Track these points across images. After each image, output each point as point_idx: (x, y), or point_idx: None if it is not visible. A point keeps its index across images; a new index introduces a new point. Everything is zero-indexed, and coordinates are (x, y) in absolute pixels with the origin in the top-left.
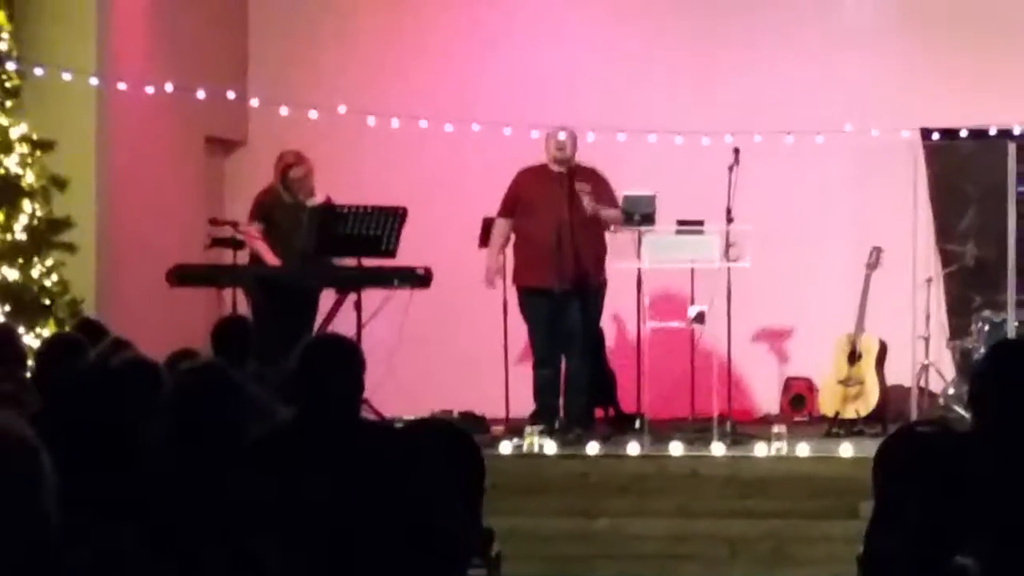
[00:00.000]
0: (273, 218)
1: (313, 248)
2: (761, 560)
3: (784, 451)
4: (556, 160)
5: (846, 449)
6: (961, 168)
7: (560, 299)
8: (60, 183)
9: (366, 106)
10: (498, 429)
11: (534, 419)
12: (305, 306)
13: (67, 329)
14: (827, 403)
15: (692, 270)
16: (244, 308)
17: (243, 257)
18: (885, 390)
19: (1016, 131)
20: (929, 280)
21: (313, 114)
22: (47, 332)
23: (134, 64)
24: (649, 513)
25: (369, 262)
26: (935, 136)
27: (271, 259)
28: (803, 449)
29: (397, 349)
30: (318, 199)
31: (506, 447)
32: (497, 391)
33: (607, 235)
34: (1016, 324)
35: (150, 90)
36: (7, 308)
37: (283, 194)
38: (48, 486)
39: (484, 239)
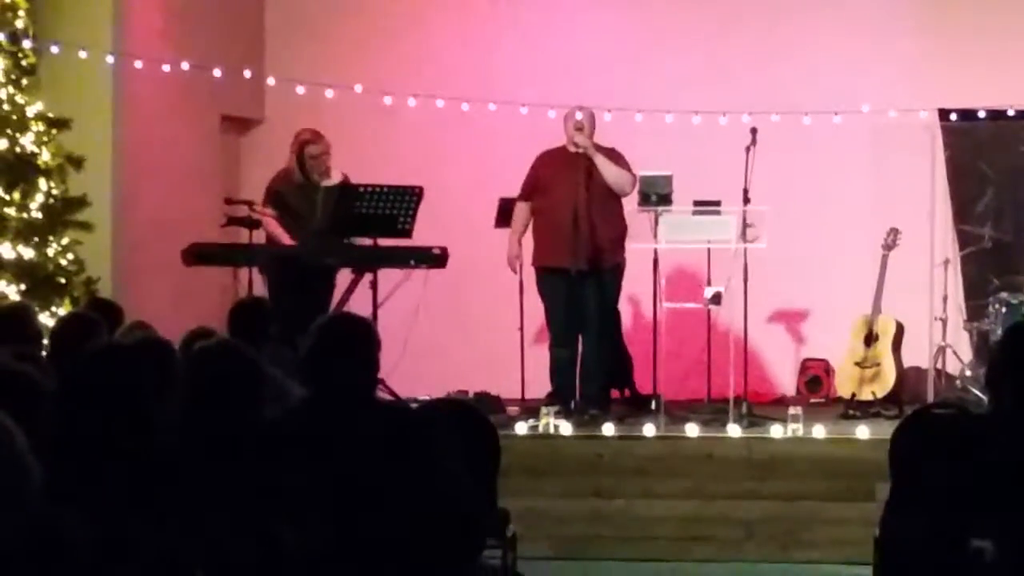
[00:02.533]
0: (286, 203)
1: (329, 227)
2: (777, 542)
3: (800, 433)
4: (573, 141)
5: (863, 431)
6: (979, 149)
7: (577, 279)
8: (76, 161)
9: (383, 85)
10: (514, 410)
11: (550, 400)
12: (322, 285)
13: (82, 308)
14: (844, 385)
15: (709, 251)
16: (260, 287)
17: (259, 237)
18: (902, 372)
19: None
20: (946, 262)
21: (329, 93)
22: (63, 311)
23: (150, 42)
24: (665, 494)
25: (385, 242)
26: (953, 117)
27: (286, 240)
28: (819, 431)
29: (413, 329)
30: (334, 179)
31: (522, 428)
32: (513, 372)
33: (627, 215)
34: None
35: (166, 68)
36: (23, 287)
37: (296, 175)
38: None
39: (500, 219)
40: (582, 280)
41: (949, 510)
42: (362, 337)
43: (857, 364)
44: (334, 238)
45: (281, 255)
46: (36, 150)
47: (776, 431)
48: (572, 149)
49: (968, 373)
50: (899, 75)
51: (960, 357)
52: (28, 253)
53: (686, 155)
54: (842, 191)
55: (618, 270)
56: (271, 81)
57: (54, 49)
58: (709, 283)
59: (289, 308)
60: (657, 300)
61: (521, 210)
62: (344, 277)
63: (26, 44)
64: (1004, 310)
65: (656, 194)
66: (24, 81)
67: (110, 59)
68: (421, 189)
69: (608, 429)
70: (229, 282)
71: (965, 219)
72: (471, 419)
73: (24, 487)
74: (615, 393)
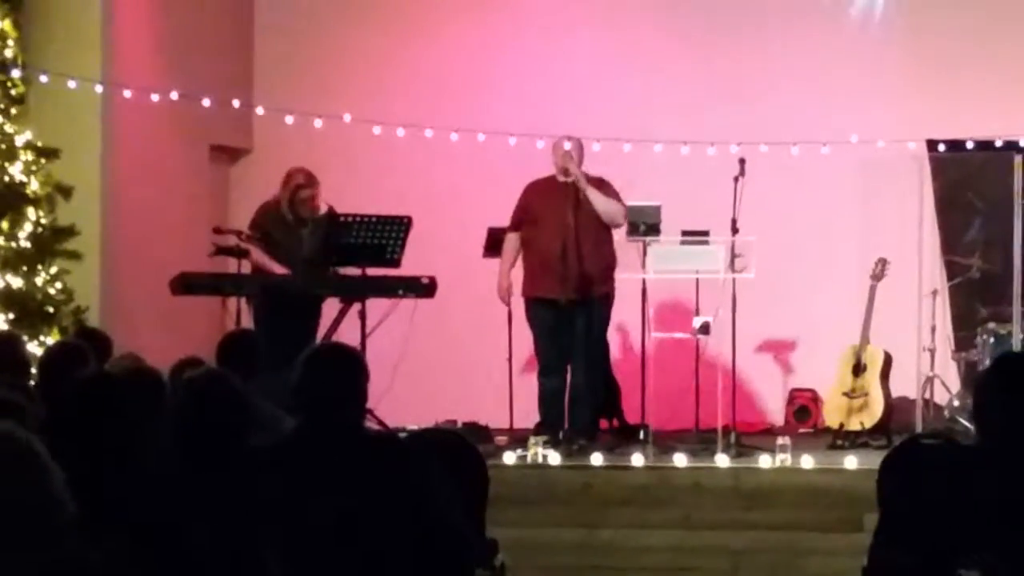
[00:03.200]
0: (272, 236)
1: (317, 257)
2: (764, 572)
3: (788, 463)
4: (562, 170)
5: (851, 461)
6: (967, 180)
7: (566, 309)
8: (65, 191)
9: (371, 115)
10: (502, 439)
11: (538, 430)
12: (309, 315)
13: (70, 337)
14: (832, 415)
15: (697, 281)
16: (249, 317)
17: (247, 266)
18: (890, 402)
19: (1022, 143)
20: (934, 292)
21: (318, 123)
22: (51, 340)
23: (139, 71)
24: (653, 524)
25: (374, 271)
26: (941, 148)
27: (275, 269)
28: (807, 461)
29: (401, 358)
30: (320, 211)
31: (510, 457)
32: (501, 401)
33: (615, 245)
34: (1022, 337)
35: (155, 98)
36: (11, 316)
37: (285, 211)
38: (56, 477)
39: (489, 249)
40: (571, 310)
41: (937, 541)
42: (350, 367)
43: (845, 394)
44: (322, 268)
45: (270, 284)
46: (25, 179)
47: (764, 461)
48: (561, 179)
49: (956, 403)
50: (887, 106)
51: (948, 387)
52: (16, 282)
53: (674, 185)
54: (830, 221)
55: (607, 300)
56: (260, 111)
57: (43, 78)
58: (697, 313)
59: (275, 337)
60: (645, 330)
61: (511, 241)
62: (332, 306)
63: (15, 73)
64: (992, 340)
65: (644, 224)
66: (13, 110)
67: (99, 88)
68: (410, 219)
69: (596, 459)
70: (217, 311)
71: (953, 249)
72: (459, 448)
73: (56, 524)
74: (603, 423)
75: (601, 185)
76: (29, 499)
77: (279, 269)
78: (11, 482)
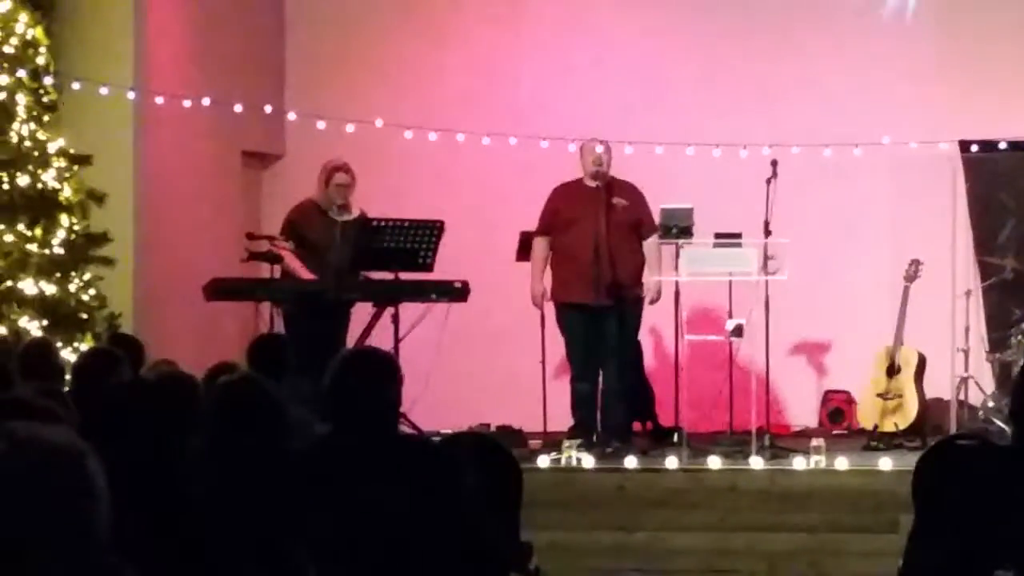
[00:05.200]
0: (304, 236)
1: (349, 262)
2: (800, 574)
3: (823, 464)
4: (592, 174)
5: (885, 463)
6: (999, 180)
7: (597, 313)
8: (97, 197)
9: (403, 119)
10: (536, 443)
11: (572, 433)
12: (339, 319)
13: (104, 343)
14: (866, 416)
15: (730, 283)
16: (280, 322)
17: (279, 271)
18: (924, 403)
19: None
20: (968, 293)
21: (350, 127)
22: (85, 346)
23: (171, 78)
24: (687, 527)
25: (406, 276)
26: (974, 148)
27: (305, 275)
28: (842, 463)
29: (434, 363)
30: (353, 214)
31: (544, 461)
32: (534, 405)
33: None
34: None
35: (187, 104)
36: (45, 322)
37: (319, 204)
38: (100, 492)
39: (521, 253)
40: (603, 314)
41: (973, 541)
42: (384, 371)
43: (879, 395)
44: (354, 272)
45: (302, 290)
46: (58, 186)
47: (799, 463)
48: (590, 183)
49: (991, 404)
50: (920, 107)
51: (982, 388)
52: (50, 289)
53: (707, 188)
54: (863, 223)
55: (638, 303)
56: (292, 116)
57: (75, 85)
58: (731, 315)
59: (306, 342)
60: (679, 332)
61: (540, 246)
62: (364, 311)
63: (47, 81)
64: None
65: (677, 227)
66: (46, 117)
67: (131, 95)
68: (442, 223)
69: (630, 462)
70: (250, 317)
71: (986, 250)
72: (493, 452)
73: (91, 532)
74: (637, 426)
75: (630, 191)
76: (72, 518)
77: (307, 275)
78: (57, 498)
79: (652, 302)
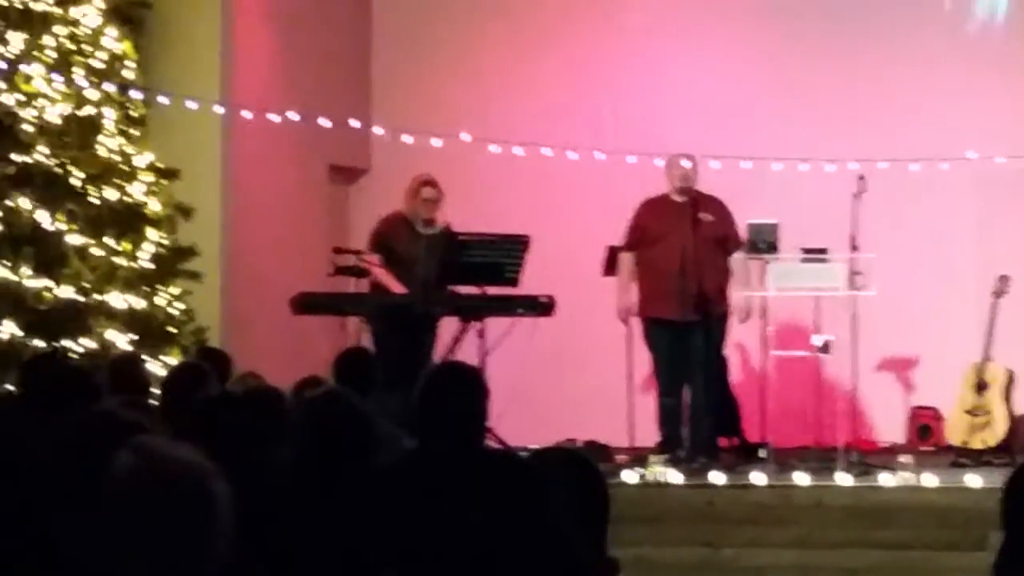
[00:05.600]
0: (391, 249)
1: (435, 276)
2: None
3: (910, 481)
4: (678, 189)
5: (973, 480)
6: None
7: (684, 328)
8: (185, 211)
9: (490, 134)
10: (622, 458)
11: (658, 448)
12: (426, 334)
13: (192, 357)
14: (954, 433)
15: (817, 298)
16: (367, 336)
17: (366, 285)
18: (1013, 420)
19: None
20: None
21: (437, 142)
22: (172, 360)
23: (258, 92)
24: (774, 543)
25: (492, 290)
26: None
27: (396, 288)
28: (929, 479)
29: (521, 378)
30: (438, 228)
31: (630, 476)
32: (620, 420)
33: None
34: None
35: (274, 118)
36: (132, 336)
37: (406, 218)
38: (223, 515)
39: (607, 267)
40: (690, 329)
41: None
42: (470, 386)
43: (967, 412)
44: (439, 287)
45: (390, 304)
46: (146, 200)
47: (886, 479)
48: (676, 198)
49: None
50: (1007, 121)
51: None
52: (138, 303)
53: (793, 203)
54: (951, 238)
55: (724, 318)
56: (378, 130)
57: (163, 100)
58: (817, 331)
59: (393, 356)
60: (765, 348)
61: (626, 260)
62: (450, 325)
63: (135, 95)
64: None
65: (763, 242)
66: (134, 132)
67: (219, 109)
68: (528, 238)
69: (717, 477)
70: (337, 331)
71: None
72: (580, 467)
73: (206, 554)
74: (724, 441)
75: (716, 207)
76: (191, 539)
77: (398, 288)
78: (178, 517)
79: (742, 321)
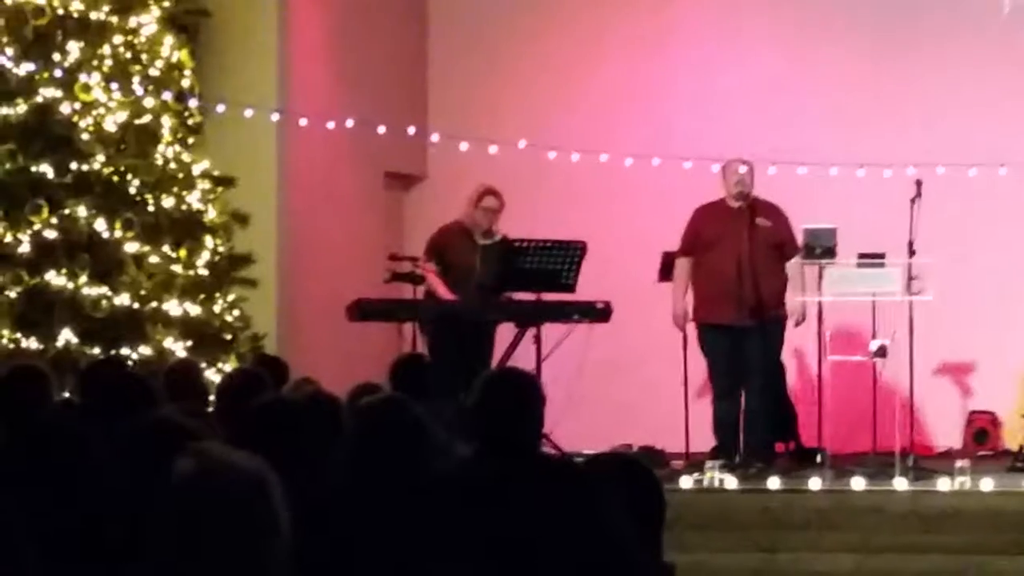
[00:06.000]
0: (447, 258)
1: (492, 282)
2: None
3: (968, 485)
4: (735, 194)
5: None
6: None
7: (740, 334)
8: (241, 218)
9: (546, 141)
10: (678, 463)
11: (714, 454)
12: (482, 340)
13: (248, 364)
14: (1011, 437)
15: (874, 303)
16: (423, 343)
17: (422, 292)
18: None
19: None
20: None
21: (493, 149)
22: (229, 367)
23: (314, 100)
24: (831, 548)
25: (548, 296)
26: None
27: (447, 296)
28: (987, 484)
29: (577, 383)
30: (495, 239)
31: (687, 482)
32: (676, 425)
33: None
34: None
35: (331, 125)
36: (189, 343)
37: (464, 228)
38: (282, 525)
39: (663, 273)
40: (746, 334)
41: None
42: (527, 392)
43: None
44: (495, 293)
45: (445, 311)
46: (202, 208)
47: (943, 484)
48: (733, 204)
49: None
50: None
51: None
52: (195, 310)
53: (850, 208)
54: (1008, 242)
55: (781, 323)
56: (435, 138)
57: (220, 108)
58: (874, 336)
59: (449, 363)
60: (822, 353)
61: (682, 266)
62: (507, 332)
63: (192, 103)
64: None
65: (820, 247)
66: (190, 140)
67: (275, 117)
68: (584, 244)
69: (773, 483)
70: (393, 337)
71: None
72: (636, 473)
73: (266, 562)
74: (780, 446)
75: (773, 212)
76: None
77: (449, 296)
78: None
79: (797, 324)
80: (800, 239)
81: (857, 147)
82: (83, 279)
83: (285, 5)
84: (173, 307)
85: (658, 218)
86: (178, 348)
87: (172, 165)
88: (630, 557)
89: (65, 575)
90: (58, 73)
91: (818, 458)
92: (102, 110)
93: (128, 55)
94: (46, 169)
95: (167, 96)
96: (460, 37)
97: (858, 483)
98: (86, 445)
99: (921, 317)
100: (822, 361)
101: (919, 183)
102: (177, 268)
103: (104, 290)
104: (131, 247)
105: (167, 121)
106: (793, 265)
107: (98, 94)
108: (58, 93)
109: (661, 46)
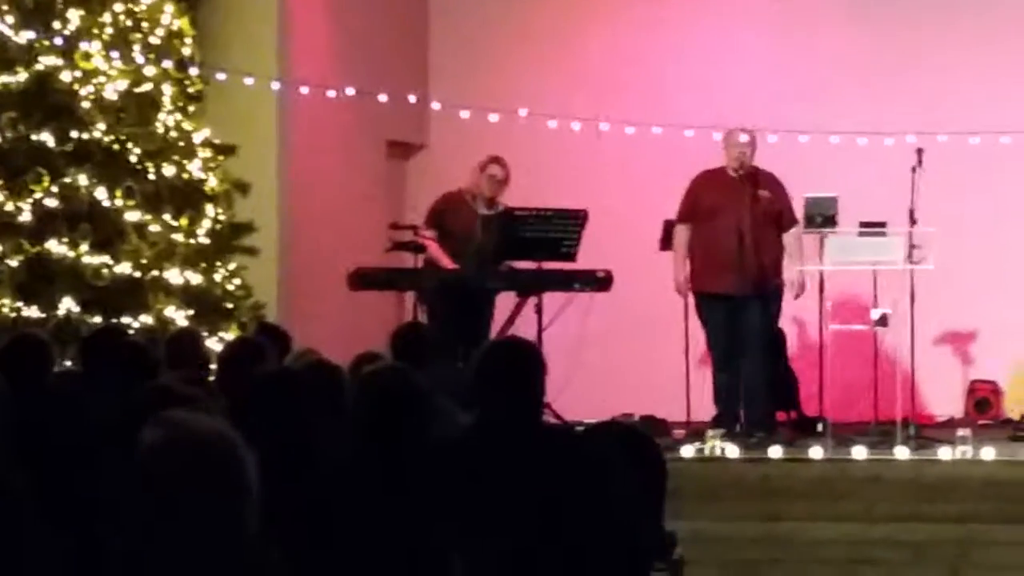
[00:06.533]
0: (446, 225)
1: (492, 251)
2: (946, 565)
3: (969, 455)
4: (736, 163)
5: None
6: None
7: (738, 304)
8: (242, 187)
9: (547, 109)
10: (679, 432)
11: (715, 423)
12: (483, 309)
13: (250, 333)
14: (1012, 406)
15: (875, 272)
16: (424, 311)
17: (423, 261)
18: None
19: None
20: None
21: (494, 117)
22: (230, 336)
23: (315, 68)
24: (832, 517)
25: (549, 265)
26: None
27: (447, 264)
28: (988, 453)
29: (578, 353)
30: (497, 210)
31: (688, 451)
32: (678, 394)
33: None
34: None
35: (331, 94)
36: (190, 312)
37: (465, 197)
38: (250, 483)
39: (664, 242)
40: (744, 304)
41: None
42: (528, 361)
43: None
44: (497, 262)
45: (446, 279)
46: (203, 176)
47: (944, 453)
48: (733, 173)
49: None
50: None
51: None
52: (195, 279)
53: (851, 176)
54: (1010, 212)
55: (779, 291)
56: (436, 106)
57: (220, 76)
58: (875, 304)
59: (449, 331)
60: (823, 322)
61: (682, 233)
62: (508, 301)
63: (193, 72)
64: None
65: (821, 216)
66: (191, 108)
67: (276, 86)
68: (585, 213)
69: (775, 451)
70: (394, 306)
71: None
72: (637, 442)
73: (239, 521)
74: (781, 415)
75: (772, 182)
76: (222, 508)
77: (449, 264)
78: (208, 487)
79: (796, 296)
80: (801, 208)
81: (858, 116)
82: (84, 248)
83: None
84: (174, 276)
85: (659, 187)
86: (179, 317)
87: (173, 133)
88: (631, 525)
89: (68, 547)
90: (58, 41)
91: (819, 427)
92: (102, 78)
93: (129, 23)
94: (46, 137)
95: (168, 64)
96: (461, 5)
97: (859, 452)
98: (83, 416)
99: (922, 286)
100: (823, 330)
101: (920, 152)
102: (178, 237)
103: (105, 259)
104: (132, 216)
105: (168, 89)
106: (790, 236)
107: (98, 62)
108: (58, 61)
109: (663, 14)
